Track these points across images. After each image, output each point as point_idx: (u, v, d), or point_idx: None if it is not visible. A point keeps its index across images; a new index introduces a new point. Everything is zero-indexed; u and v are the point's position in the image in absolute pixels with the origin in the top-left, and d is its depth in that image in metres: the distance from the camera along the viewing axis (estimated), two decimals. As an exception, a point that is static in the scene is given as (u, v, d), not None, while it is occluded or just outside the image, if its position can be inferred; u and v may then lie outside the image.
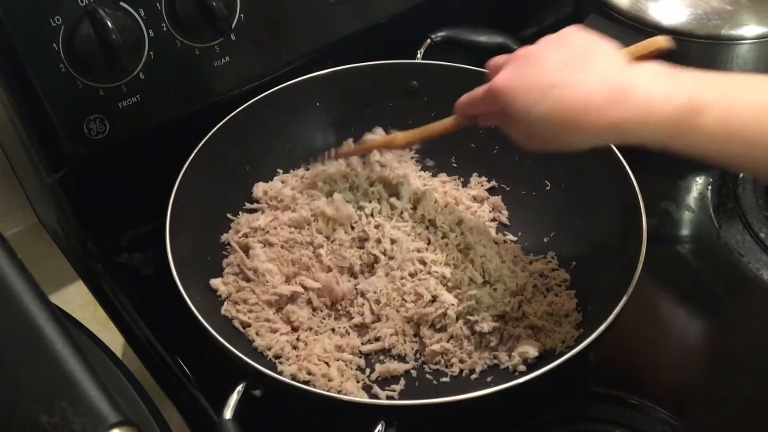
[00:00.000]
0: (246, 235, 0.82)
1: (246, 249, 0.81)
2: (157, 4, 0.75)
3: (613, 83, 0.59)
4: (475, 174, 0.91)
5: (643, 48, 0.67)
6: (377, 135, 0.89)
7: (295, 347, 0.74)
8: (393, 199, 0.84)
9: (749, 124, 0.57)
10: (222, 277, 0.80)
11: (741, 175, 0.91)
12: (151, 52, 0.76)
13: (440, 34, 0.96)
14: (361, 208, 0.83)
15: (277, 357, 0.72)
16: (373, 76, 0.91)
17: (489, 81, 0.67)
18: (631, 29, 0.92)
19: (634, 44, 0.67)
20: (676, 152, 0.60)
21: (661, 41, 0.68)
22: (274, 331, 0.74)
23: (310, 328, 0.75)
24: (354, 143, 0.89)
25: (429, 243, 0.81)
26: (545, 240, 0.84)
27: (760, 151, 0.58)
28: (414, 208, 0.84)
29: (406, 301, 0.76)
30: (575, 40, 0.64)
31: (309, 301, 0.77)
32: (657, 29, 0.91)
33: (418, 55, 0.94)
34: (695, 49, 0.91)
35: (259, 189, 0.88)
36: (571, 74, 0.60)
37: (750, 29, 0.90)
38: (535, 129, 0.62)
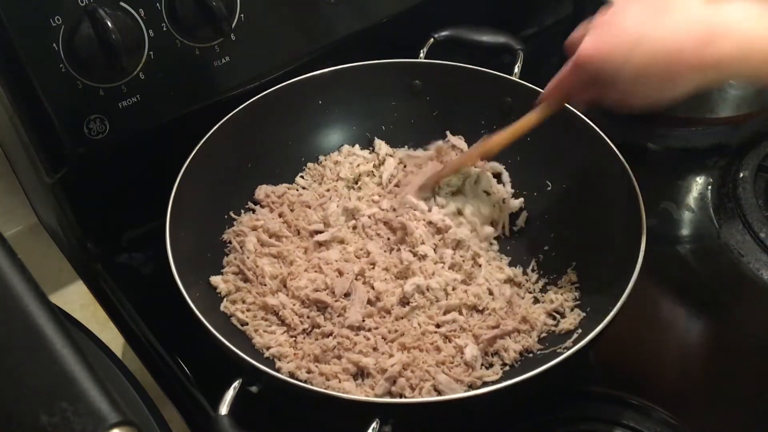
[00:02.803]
0: (246, 235, 0.82)
1: (240, 243, 0.81)
2: (157, 4, 0.75)
3: (705, 23, 0.59)
4: (476, 174, 0.91)
5: None
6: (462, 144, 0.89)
7: (293, 346, 0.74)
8: None
9: None
10: (222, 274, 0.80)
11: (741, 174, 0.91)
12: (151, 52, 0.76)
13: (443, 33, 0.96)
14: None
15: (276, 356, 0.72)
16: (375, 74, 0.91)
17: (569, 52, 0.67)
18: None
19: None
20: None
21: None
22: (273, 332, 0.74)
23: (305, 331, 0.75)
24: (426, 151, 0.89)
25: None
26: (546, 240, 0.84)
27: None
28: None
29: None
30: None
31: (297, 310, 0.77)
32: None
33: (421, 55, 0.94)
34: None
35: (261, 191, 0.88)
36: (654, 25, 0.60)
37: (750, 29, 0.89)
38: (632, 87, 0.63)
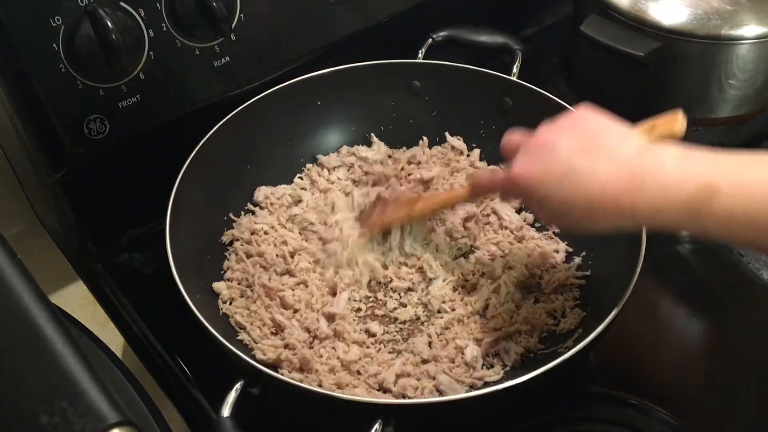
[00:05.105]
0: (246, 238, 0.83)
1: (246, 252, 0.81)
2: (157, 4, 0.75)
3: (627, 169, 0.58)
4: (475, 174, 0.91)
5: (661, 131, 0.65)
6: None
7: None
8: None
9: (759, 207, 0.55)
10: (223, 278, 0.80)
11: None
12: (151, 52, 0.76)
13: (441, 33, 0.96)
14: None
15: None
16: (374, 75, 0.91)
17: (504, 156, 0.68)
18: (631, 29, 0.92)
19: (649, 122, 0.65)
20: (695, 235, 0.59)
21: (676, 126, 0.65)
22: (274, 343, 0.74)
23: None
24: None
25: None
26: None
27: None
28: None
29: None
30: (588, 123, 0.63)
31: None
32: (657, 29, 0.91)
33: (420, 55, 0.94)
34: (695, 49, 0.91)
35: (260, 193, 0.88)
36: (585, 161, 0.60)
37: (750, 29, 0.89)
38: (557, 214, 0.64)
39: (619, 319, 0.66)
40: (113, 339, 0.80)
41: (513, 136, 0.68)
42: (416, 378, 0.71)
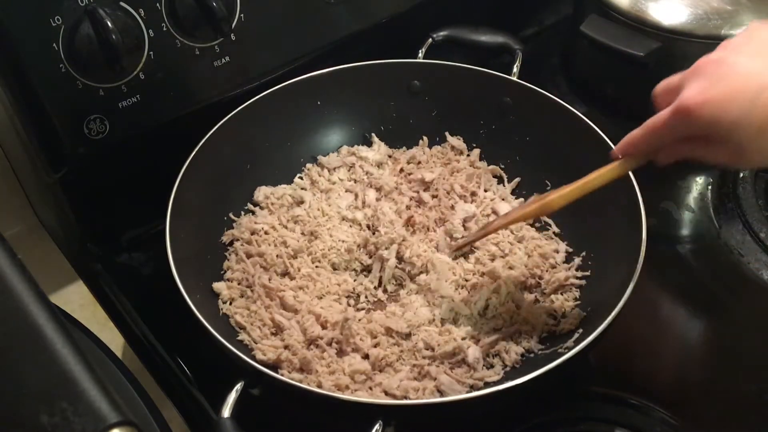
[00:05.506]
0: (246, 239, 0.83)
1: (246, 252, 0.81)
2: (157, 4, 0.75)
3: None
4: (475, 174, 0.91)
5: None
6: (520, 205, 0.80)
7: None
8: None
9: None
10: (223, 278, 0.80)
11: (741, 174, 0.91)
12: (151, 52, 0.76)
13: (441, 33, 0.96)
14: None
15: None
16: (374, 75, 0.91)
17: (660, 109, 0.58)
18: (631, 29, 0.92)
19: None
20: None
21: None
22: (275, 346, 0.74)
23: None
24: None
25: None
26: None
27: None
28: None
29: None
30: (764, 35, 0.55)
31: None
32: (657, 29, 0.91)
33: (420, 55, 0.95)
34: (695, 49, 0.91)
35: (260, 193, 0.88)
36: None
37: (750, 29, 0.89)
38: (749, 144, 0.53)
39: (619, 319, 0.66)
40: (113, 339, 0.80)
41: (669, 79, 0.57)
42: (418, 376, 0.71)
